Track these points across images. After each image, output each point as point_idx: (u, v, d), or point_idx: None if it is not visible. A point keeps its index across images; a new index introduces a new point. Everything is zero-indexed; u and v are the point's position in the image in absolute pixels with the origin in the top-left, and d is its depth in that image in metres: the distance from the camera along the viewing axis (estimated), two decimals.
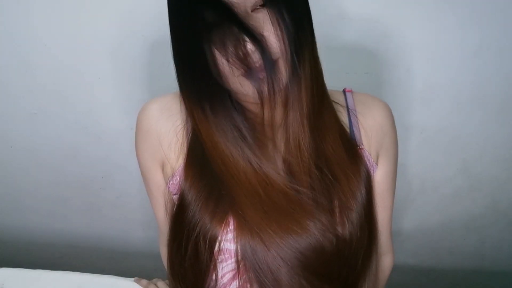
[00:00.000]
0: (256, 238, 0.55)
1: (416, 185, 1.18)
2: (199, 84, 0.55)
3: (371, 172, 0.63)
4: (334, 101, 0.63)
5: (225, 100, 0.55)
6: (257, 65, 0.49)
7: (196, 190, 0.57)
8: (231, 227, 0.56)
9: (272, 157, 0.57)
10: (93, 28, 0.93)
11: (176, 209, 0.61)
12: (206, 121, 0.55)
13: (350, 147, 0.60)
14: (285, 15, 0.49)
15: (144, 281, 0.86)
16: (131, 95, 1.02)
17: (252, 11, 0.49)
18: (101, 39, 0.95)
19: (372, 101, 0.65)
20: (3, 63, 0.99)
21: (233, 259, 0.57)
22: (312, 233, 0.55)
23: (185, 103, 0.57)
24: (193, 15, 0.49)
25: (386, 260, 0.73)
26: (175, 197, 0.61)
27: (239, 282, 0.58)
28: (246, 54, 0.48)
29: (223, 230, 0.55)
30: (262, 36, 0.49)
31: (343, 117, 0.63)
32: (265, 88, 0.51)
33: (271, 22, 0.49)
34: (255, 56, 0.49)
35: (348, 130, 0.62)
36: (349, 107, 0.64)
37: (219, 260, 0.57)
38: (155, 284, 0.84)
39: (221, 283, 0.59)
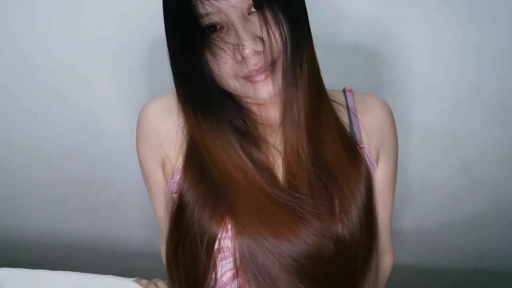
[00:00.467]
0: (253, 243, 0.55)
1: (416, 185, 1.18)
2: (194, 92, 0.55)
3: (371, 171, 0.63)
4: (334, 101, 0.63)
5: (220, 107, 0.56)
6: (256, 67, 0.50)
7: (194, 191, 0.57)
8: (230, 225, 0.56)
9: (270, 160, 0.58)
10: (93, 28, 0.93)
11: (175, 209, 0.61)
12: (200, 129, 0.56)
13: (350, 146, 0.60)
14: (282, 16, 0.49)
15: (144, 281, 0.86)
16: (131, 95, 1.02)
17: (249, 14, 0.50)
18: (101, 39, 0.95)
19: (372, 101, 0.65)
20: (3, 63, 0.99)
21: (232, 258, 0.57)
22: (307, 240, 0.55)
23: (181, 108, 0.58)
24: (189, 20, 0.50)
25: (386, 260, 0.73)
26: (175, 196, 0.62)
27: (238, 282, 0.58)
28: (244, 57, 0.49)
29: (223, 228, 0.56)
30: (260, 38, 0.50)
31: (343, 117, 0.63)
32: (264, 89, 0.52)
33: (268, 24, 0.49)
34: (254, 59, 0.49)
35: (348, 129, 0.62)
36: (349, 106, 0.64)
37: (219, 259, 0.57)
38: (155, 284, 0.84)
39: (221, 283, 0.59)
